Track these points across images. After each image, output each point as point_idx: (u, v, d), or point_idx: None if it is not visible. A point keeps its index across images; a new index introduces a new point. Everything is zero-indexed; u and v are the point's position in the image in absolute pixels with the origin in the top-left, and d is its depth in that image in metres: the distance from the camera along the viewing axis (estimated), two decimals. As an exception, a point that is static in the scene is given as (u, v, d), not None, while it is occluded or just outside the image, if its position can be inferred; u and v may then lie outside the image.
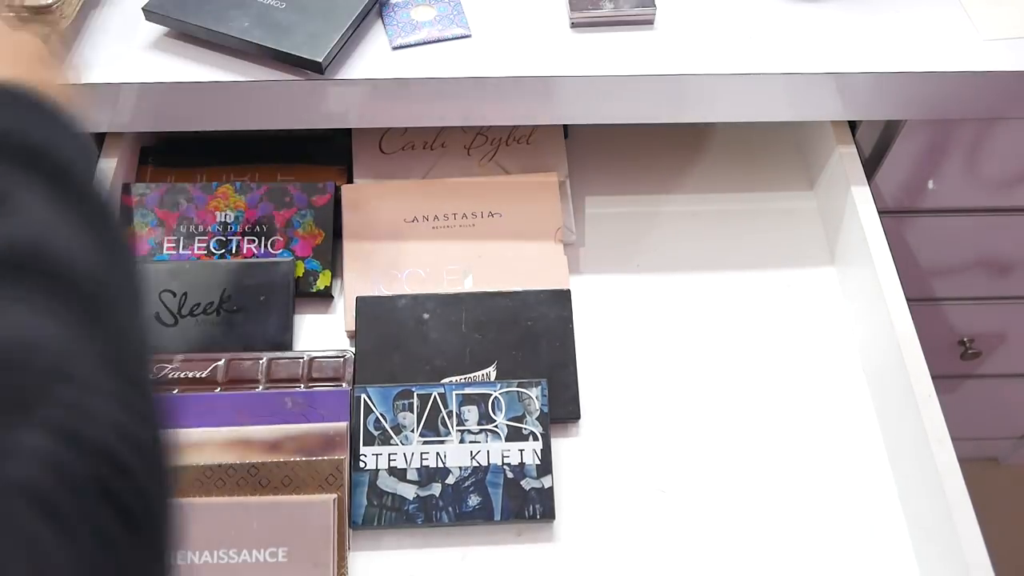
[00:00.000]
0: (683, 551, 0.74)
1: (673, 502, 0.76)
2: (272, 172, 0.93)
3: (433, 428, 0.75)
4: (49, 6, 0.72)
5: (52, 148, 0.39)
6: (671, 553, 0.73)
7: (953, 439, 0.72)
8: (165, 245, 0.86)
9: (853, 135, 0.90)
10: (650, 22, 0.82)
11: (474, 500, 0.72)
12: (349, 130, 0.93)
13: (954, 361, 1.23)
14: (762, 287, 0.88)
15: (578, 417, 0.79)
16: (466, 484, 0.73)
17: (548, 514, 0.72)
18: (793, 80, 0.79)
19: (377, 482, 0.73)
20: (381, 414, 0.75)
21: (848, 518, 0.75)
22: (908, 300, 0.79)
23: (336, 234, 0.88)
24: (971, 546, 0.67)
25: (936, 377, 0.75)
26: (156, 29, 0.80)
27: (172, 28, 0.79)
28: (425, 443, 0.74)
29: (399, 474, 0.73)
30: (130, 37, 0.80)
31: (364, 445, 0.74)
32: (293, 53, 0.75)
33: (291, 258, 0.85)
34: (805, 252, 0.91)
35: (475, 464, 0.73)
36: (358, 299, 0.82)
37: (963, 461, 0.70)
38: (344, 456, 0.72)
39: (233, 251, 0.86)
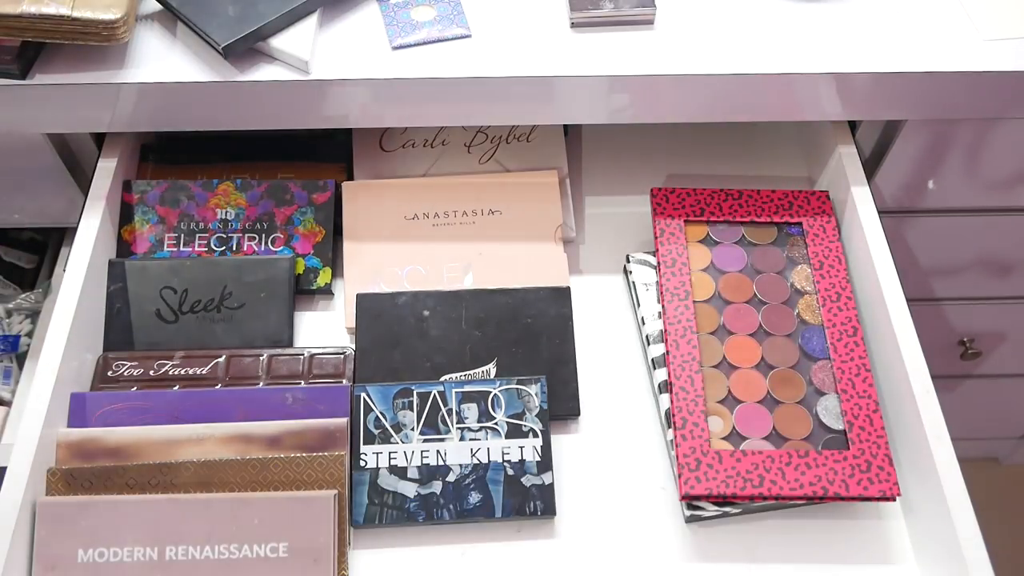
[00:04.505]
0: (683, 548, 0.74)
1: (673, 499, 0.76)
2: (273, 170, 0.93)
3: (433, 426, 0.75)
4: (114, 22, 0.72)
5: None
6: (671, 550, 0.74)
7: (953, 439, 0.72)
8: (166, 242, 0.86)
9: (853, 135, 0.90)
10: (650, 22, 0.82)
11: (475, 497, 0.73)
12: (350, 128, 0.93)
13: (954, 361, 1.23)
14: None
15: (578, 414, 0.79)
16: (467, 481, 0.73)
17: (549, 511, 0.73)
18: (793, 80, 0.79)
19: (378, 480, 0.73)
20: (381, 413, 0.75)
21: (848, 517, 0.75)
22: (908, 300, 0.79)
23: (336, 231, 0.88)
24: (971, 546, 0.67)
25: (936, 377, 0.75)
26: (155, 29, 0.80)
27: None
28: (425, 441, 0.74)
29: (400, 472, 0.73)
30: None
31: (364, 444, 0.74)
32: (202, 29, 0.75)
33: (291, 255, 0.85)
34: (805, 251, 0.91)
35: (475, 461, 0.74)
36: (358, 296, 0.82)
37: (963, 461, 0.71)
38: (344, 452, 0.73)
39: (234, 248, 0.86)
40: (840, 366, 0.77)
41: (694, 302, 0.81)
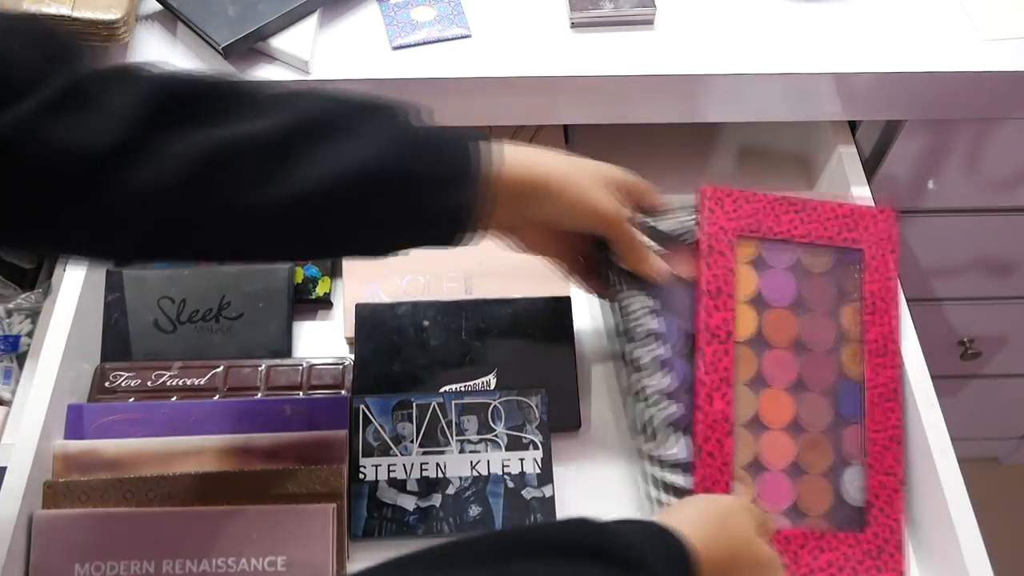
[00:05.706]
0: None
1: (674, 508, 0.75)
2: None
3: (432, 438, 0.74)
4: (115, 22, 0.72)
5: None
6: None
7: (953, 439, 0.72)
8: (161, 250, 0.86)
9: (853, 135, 0.90)
10: (650, 22, 0.81)
11: (475, 510, 0.72)
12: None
13: (954, 361, 1.22)
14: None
15: (578, 426, 0.78)
16: (466, 494, 0.72)
17: (549, 522, 0.72)
18: (793, 80, 0.79)
19: (377, 493, 0.72)
20: (380, 425, 0.74)
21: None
22: (908, 300, 0.79)
23: (334, 239, 0.87)
24: (971, 546, 0.67)
25: (936, 377, 0.75)
26: (155, 29, 0.79)
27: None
28: (425, 453, 0.74)
29: (399, 485, 0.73)
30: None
31: (363, 456, 0.73)
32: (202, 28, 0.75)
33: (290, 265, 0.84)
34: (805, 253, 0.91)
35: (475, 474, 0.73)
36: (357, 306, 0.81)
37: (963, 461, 0.70)
38: (343, 464, 0.72)
39: (230, 256, 0.86)
40: (872, 435, 0.71)
41: (735, 343, 0.70)
